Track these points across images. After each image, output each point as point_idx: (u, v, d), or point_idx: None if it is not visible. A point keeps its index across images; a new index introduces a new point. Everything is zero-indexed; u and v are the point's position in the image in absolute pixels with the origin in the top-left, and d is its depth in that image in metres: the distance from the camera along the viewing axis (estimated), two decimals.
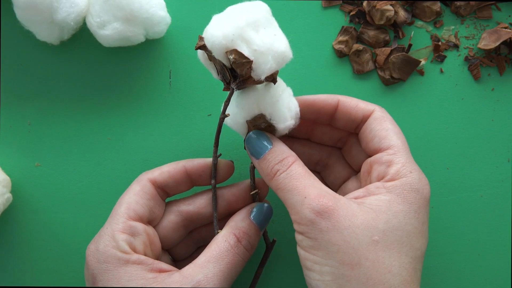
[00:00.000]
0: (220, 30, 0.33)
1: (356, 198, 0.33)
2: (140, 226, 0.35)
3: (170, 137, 0.45)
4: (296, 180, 0.33)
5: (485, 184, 0.44)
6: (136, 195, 0.36)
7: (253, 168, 0.38)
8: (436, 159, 0.44)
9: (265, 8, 0.34)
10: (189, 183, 0.39)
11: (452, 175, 0.44)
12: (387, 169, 0.34)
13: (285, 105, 0.36)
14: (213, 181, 0.38)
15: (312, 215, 0.31)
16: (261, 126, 0.36)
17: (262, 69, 0.33)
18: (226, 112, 0.36)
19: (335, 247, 0.30)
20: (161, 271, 0.34)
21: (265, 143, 0.35)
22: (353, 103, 0.37)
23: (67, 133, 0.45)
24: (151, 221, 0.37)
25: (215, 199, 0.38)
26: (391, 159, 0.34)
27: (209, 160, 0.38)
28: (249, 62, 0.33)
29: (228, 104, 0.36)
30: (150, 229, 0.37)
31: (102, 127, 0.45)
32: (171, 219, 0.38)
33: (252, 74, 0.34)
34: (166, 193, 0.38)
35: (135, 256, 0.33)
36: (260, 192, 0.39)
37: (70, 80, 0.45)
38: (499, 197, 0.44)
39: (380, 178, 0.34)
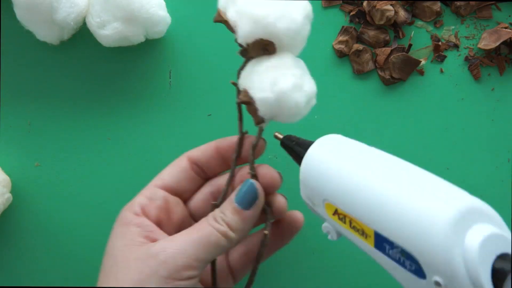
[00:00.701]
0: None
1: None
2: (159, 192, 0.37)
3: (170, 137, 0.45)
4: None
5: (485, 184, 0.44)
6: (169, 167, 0.38)
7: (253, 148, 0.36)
8: (436, 159, 0.44)
9: None
10: (221, 161, 0.38)
11: (452, 175, 0.44)
12: None
13: (270, 77, 0.33)
14: (234, 155, 0.37)
15: None
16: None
17: (239, 32, 0.33)
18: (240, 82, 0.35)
19: None
20: (152, 240, 0.34)
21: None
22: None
23: (67, 133, 0.45)
24: (180, 192, 0.38)
25: (231, 176, 0.37)
26: None
27: (236, 140, 0.37)
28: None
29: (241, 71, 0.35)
30: (172, 198, 0.37)
31: (102, 127, 0.45)
32: (204, 191, 0.39)
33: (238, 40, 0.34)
34: (203, 171, 0.38)
35: (138, 220, 0.35)
36: (270, 204, 0.37)
37: (70, 80, 0.45)
38: (499, 197, 0.44)
39: None
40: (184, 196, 0.38)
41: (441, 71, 0.45)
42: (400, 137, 0.44)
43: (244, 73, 0.34)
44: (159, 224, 0.36)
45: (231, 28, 0.34)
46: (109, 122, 0.45)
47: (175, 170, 0.38)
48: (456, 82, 0.45)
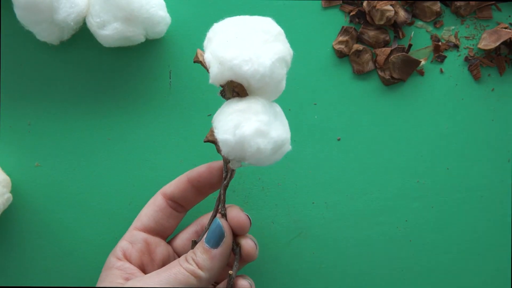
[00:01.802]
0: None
1: None
2: (140, 235, 0.38)
3: (170, 137, 0.45)
4: None
5: (485, 184, 0.44)
6: (146, 207, 0.39)
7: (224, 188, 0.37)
8: (436, 159, 0.44)
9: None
10: (195, 192, 0.39)
11: (452, 175, 0.44)
12: None
13: (234, 121, 0.34)
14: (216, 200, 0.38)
15: None
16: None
17: (210, 73, 0.34)
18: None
19: None
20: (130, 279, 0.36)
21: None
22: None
23: (67, 133, 0.45)
24: (160, 231, 0.39)
25: (213, 216, 0.38)
26: None
27: (203, 169, 0.38)
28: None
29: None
30: (153, 239, 0.39)
31: (102, 127, 0.45)
32: (189, 230, 0.41)
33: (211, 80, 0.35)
34: (179, 206, 0.39)
35: (119, 263, 0.37)
36: (239, 244, 0.37)
37: (70, 80, 0.45)
38: (499, 197, 0.44)
39: None
40: (166, 233, 0.40)
41: (441, 71, 0.45)
42: (400, 137, 0.44)
43: (216, 113, 0.35)
44: (142, 266, 0.38)
45: (206, 69, 0.35)
46: (109, 122, 0.45)
47: (152, 210, 0.39)
48: (456, 82, 0.45)
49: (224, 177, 0.36)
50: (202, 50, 0.36)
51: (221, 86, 0.35)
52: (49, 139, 0.45)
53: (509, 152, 0.44)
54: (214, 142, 0.34)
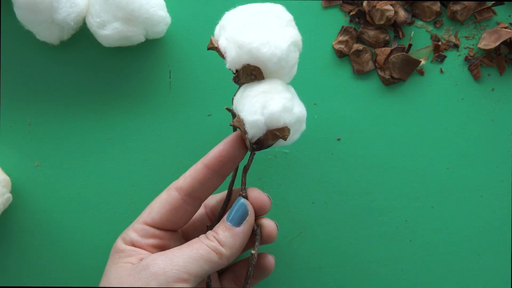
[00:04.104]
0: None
1: None
2: (151, 230, 0.37)
3: (170, 137, 0.45)
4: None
5: (485, 184, 0.44)
6: (159, 204, 0.37)
7: (245, 171, 0.37)
8: (436, 159, 0.44)
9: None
10: (215, 178, 0.37)
11: (452, 175, 0.44)
12: None
13: (261, 101, 0.35)
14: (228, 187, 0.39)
15: None
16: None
17: (227, 58, 0.35)
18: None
19: None
20: None
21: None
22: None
23: (67, 133, 0.45)
24: (174, 227, 0.38)
25: (226, 202, 0.39)
26: None
27: (221, 147, 0.37)
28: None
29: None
30: (165, 233, 0.37)
31: (102, 127, 0.45)
32: (200, 215, 0.40)
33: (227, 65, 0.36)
34: (197, 199, 0.37)
35: (130, 247, 0.36)
36: (259, 224, 0.38)
37: (70, 80, 0.45)
38: (499, 197, 0.44)
39: None
40: (180, 227, 0.38)
41: (441, 71, 0.45)
42: (400, 137, 0.44)
43: (236, 98, 0.36)
44: None
45: (221, 55, 0.36)
46: (109, 122, 0.45)
47: (166, 209, 0.37)
48: (456, 82, 0.45)
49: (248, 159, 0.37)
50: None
51: (237, 70, 0.35)
52: (49, 139, 0.45)
53: (509, 152, 0.44)
54: (239, 126, 0.35)
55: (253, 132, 0.34)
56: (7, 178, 0.43)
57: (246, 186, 0.37)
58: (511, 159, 0.44)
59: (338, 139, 0.45)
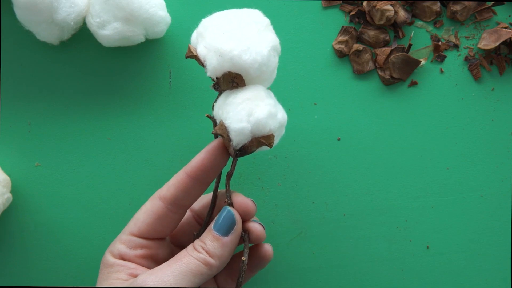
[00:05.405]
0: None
1: None
2: (138, 241, 0.37)
3: (170, 137, 0.45)
4: None
5: (485, 184, 0.44)
6: (144, 214, 0.37)
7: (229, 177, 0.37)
8: (436, 159, 0.44)
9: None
10: (198, 186, 0.37)
11: (452, 175, 0.44)
12: None
13: (246, 109, 0.35)
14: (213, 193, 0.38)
15: None
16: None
17: (208, 66, 0.35)
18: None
19: None
20: (136, 276, 0.35)
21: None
22: None
23: (67, 133, 0.45)
24: (160, 236, 0.37)
25: (212, 208, 0.38)
26: None
27: (203, 156, 0.37)
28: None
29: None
30: (153, 243, 0.37)
31: (102, 127, 0.45)
32: (187, 219, 0.40)
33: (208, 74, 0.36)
34: (182, 207, 0.37)
35: (120, 261, 0.36)
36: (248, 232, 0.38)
37: (70, 80, 0.45)
38: (499, 197, 0.44)
39: None
40: (167, 235, 0.38)
41: (441, 71, 0.45)
42: (400, 137, 0.44)
43: (217, 105, 0.36)
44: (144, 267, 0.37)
45: (201, 63, 0.36)
46: (109, 122, 0.45)
47: (151, 219, 0.37)
48: (456, 82, 0.45)
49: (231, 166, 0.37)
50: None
51: (217, 78, 0.35)
52: (49, 139, 0.45)
53: (509, 152, 0.44)
54: (223, 134, 0.35)
55: (238, 139, 0.34)
56: (7, 178, 0.43)
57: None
58: (511, 159, 0.44)
59: (338, 139, 0.45)
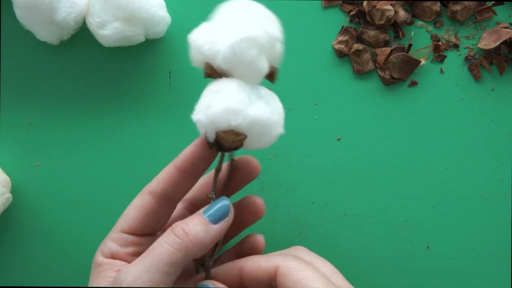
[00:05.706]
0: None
1: None
2: (129, 238, 0.36)
3: (170, 137, 0.45)
4: None
5: (485, 184, 0.44)
6: (134, 209, 0.36)
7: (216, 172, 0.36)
8: (436, 159, 0.44)
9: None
10: (188, 180, 0.36)
11: (452, 175, 0.44)
12: None
13: (207, 101, 0.34)
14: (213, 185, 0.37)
15: None
16: None
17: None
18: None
19: None
20: None
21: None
22: (255, 266, 0.35)
23: (67, 133, 0.45)
24: (151, 231, 0.37)
25: (215, 183, 0.37)
26: None
27: (192, 149, 0.36)
28: None
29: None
30: (144, 239, 0.36)
31: (102, 127, 0.45)
32: (179, 212, 0.39)
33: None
34: (172, 201, 0.36)
35: (109, 260, 0.35)
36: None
37: (70, 80, 0.45)
38: (499, 197, 0.44)
39: None
40: (158, 229, 0.37)
41: (441, 71, 0.45)
42: (400, 137, 0.44)
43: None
44: None
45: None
46: (109, 122, 0.45)
47: (142, 214, 0.36)
48: (456, 82, 0.45)
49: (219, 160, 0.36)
50: None
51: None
52: (49, 139, 0.45)
53: (509, 152, 0.44)
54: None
55: (202, 132, 0.33)
56: (7, 178, 0.43)
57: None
58: (511, 159, 0.44)
59: (338, 139, 0.45)
